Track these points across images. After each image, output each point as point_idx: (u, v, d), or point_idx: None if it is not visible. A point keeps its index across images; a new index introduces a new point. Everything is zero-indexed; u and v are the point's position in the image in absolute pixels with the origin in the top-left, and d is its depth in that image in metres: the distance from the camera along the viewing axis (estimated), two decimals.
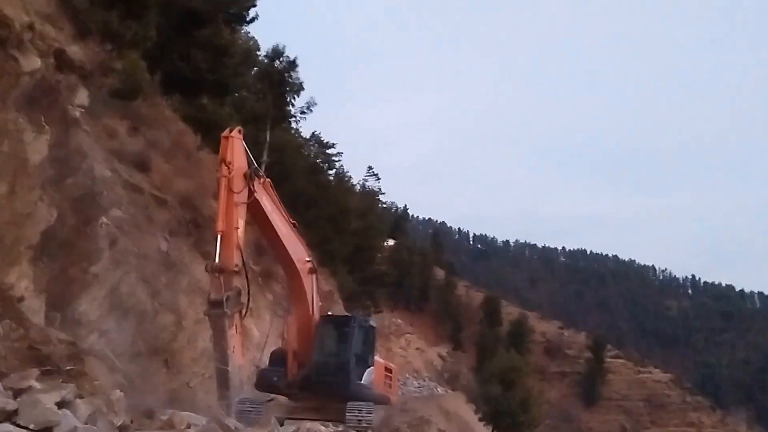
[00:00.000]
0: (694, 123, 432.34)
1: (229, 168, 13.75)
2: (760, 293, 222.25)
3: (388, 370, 19.16)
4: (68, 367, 9.34)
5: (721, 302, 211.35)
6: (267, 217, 15.33)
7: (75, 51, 15.69)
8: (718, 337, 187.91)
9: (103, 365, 11.56)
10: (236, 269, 13.19)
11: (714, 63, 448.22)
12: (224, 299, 12.62)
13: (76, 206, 14.41)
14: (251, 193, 14.36)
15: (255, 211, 15.00)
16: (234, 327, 12.72)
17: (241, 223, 13.79)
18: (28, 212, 12.85)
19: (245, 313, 13.54)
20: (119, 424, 8.29)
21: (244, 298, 13.33)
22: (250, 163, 14.69)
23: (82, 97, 15.30)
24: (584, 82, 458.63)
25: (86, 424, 7.35)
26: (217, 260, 13.01)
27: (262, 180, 15.16)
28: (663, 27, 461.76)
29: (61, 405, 7.26)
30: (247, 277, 13.62)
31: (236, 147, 14.24)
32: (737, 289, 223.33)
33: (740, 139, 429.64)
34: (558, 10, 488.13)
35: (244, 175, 14.25)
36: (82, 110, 15.23)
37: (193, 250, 19.53)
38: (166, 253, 18.18)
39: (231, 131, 14.41)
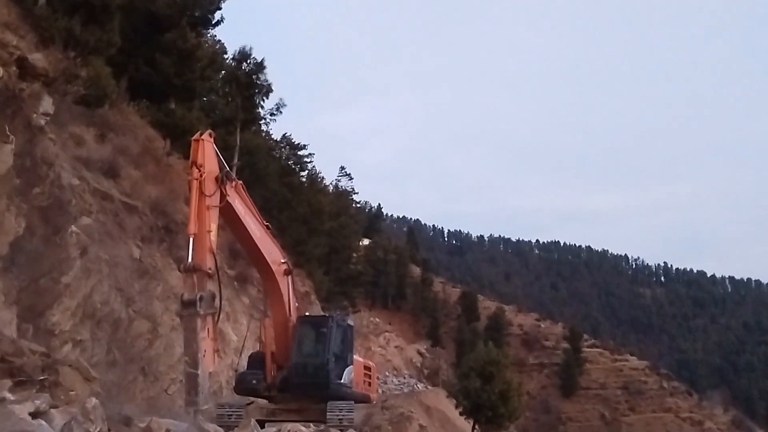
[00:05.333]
0: (659, 116, 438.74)
1: (200, 170, 13.60)
2: (731, 278, 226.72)
3: (367, 368, 19.12)
4: (41, 378, 9.20)
5: (693, 288, 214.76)
6: (240, 220, 15.22)
7: (38, 58, 15.41)
8: (692, 322, 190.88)
9: (78, 375, 11.35)
10: (210, 271, 13.06)
11: (675, 55, 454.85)
12: (197, 299, 12.48)
13: (45, 215, 14.20)
14: (223, 196, 14.23)
15: (228, 215, 14.88)
16: (206, 331, 12.55)
17: (214, 227, 13.63)
18: None
19: (218, 318, 13.39)
20: None
21: (217, 304, 13.18)
22: (221, 167, 14.54)
23: (47, 105, 15.03)
24: (553, 79, 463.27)
25: None
26: (190, 260, 12.88)
27: (233, 183, 15.03)
28: (631, 22, 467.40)
29: (35, 415, 7.16)
30: (219, 283, 13.47)
31: (207, 150, 14.09)
32: (708, 275, 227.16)
33: (704, 130, 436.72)
34: (524, 9, 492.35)
35: (216, 179, 14.10)
36: (47, 118, 14.97)
37: (166, 257, 19.38)
38: (138, 260, 18.01)
39: (201, 134, 14.27)
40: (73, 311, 14.61)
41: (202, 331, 12.39)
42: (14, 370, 9.30)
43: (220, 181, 14.19)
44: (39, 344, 11.94)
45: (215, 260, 13.44)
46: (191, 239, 13.04)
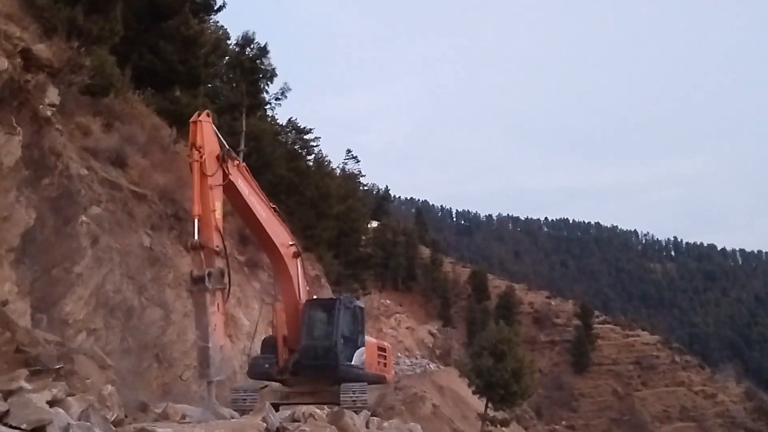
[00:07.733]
0: (666, 90, 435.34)
1: (200, 152, 13.58)
2: (741, 250, 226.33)
3: (381, 349, 19.13)
4: (57, 366, 9.31)
5: (703, 262, 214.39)
6: (244, 200, 15.15)
7: (42, 49, 15.40)
8: (703, 296, 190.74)
9: (93, 364, 11.48)
10: (217, 248, 13.10)
11: (681, 30, 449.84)
12: (206, 275, 12.55)
13: (55, 206, 14.28)
14: (226, 175, 14.18)
15: (232, 195, 14.82)
16: (216, 305, 12.64)
17: (218, 205, 13.60)
18: (5, 215, 12.72)
19: (228, 294, 13.45)
20: (113, 418, 8.29)
21: (226, 280, 13.23)
22: (221, 146, 14.50)
23: (53, 95, 15.05)
24: (557, 58, 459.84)
25: (79, 420, 7.33)
26: (196, 238, 12.94)
27: (236, 162, 14.98)
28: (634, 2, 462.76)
29: (52, 404, 7.23)
30: (227, 259, 13.50)
31: (205, 130, 14.02)
32: (719, 248, 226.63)
33: (711, 104, 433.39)
34: None
35: (217, 158, 14.07)
36: (54, 109, 15.00)
37: (176, 244, 19.47)
38: (149, 248, 18.12)
39: (199, 115, 14.21)
40: (86, 300, 14.74)
41: (211, 305, 12.46)
42: (30, 360, 9.42)
43: (221, 159, 14.13)
44: (53, 334, 12.09)
45: (222, 238, 13.46)
46: (196, 220, 13.10)
